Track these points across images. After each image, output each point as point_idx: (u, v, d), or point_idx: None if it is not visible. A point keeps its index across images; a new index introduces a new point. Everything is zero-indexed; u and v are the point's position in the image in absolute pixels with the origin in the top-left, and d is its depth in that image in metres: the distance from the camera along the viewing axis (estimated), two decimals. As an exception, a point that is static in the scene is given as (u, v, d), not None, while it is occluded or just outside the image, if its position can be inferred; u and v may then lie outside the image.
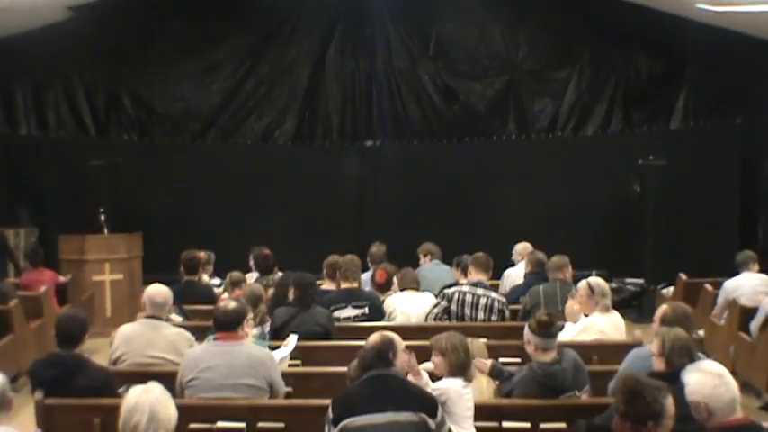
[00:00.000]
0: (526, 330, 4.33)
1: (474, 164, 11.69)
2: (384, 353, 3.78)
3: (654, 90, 11.79)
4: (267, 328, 5.62)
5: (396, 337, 3.91)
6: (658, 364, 3.86)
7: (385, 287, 6.67)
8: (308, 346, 5.44)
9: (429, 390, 4.02)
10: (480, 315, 6.03)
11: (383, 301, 6.42)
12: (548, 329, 4.23)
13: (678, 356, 3.75)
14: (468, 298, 6.07)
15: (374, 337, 3.87)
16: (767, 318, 6.76)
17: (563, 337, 5.13)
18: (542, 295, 6.27)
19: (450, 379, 4.08)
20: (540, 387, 4.19)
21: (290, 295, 5.77)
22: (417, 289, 6.57)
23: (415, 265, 7.69)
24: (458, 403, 4.00)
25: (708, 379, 3.12)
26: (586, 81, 11.95)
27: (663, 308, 4.39)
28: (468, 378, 4.09)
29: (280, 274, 7.08)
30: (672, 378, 3.66)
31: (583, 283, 5.61)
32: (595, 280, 5.61)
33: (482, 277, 6.25)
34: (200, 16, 11.77)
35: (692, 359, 3.77)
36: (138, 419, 3.00)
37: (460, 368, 4.08)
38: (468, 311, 6.04)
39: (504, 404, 4.28)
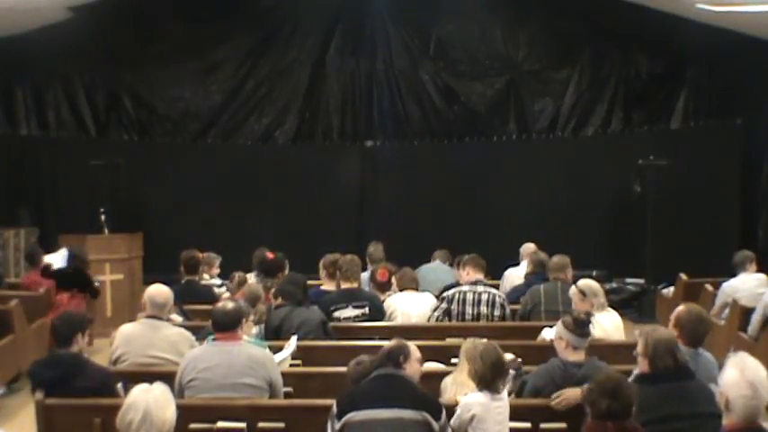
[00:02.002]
0: (560, 326, 4.33)
1: (474, 164, 11.68)
2: (394, 355, 3.84)
3: (654, 90, 11.78)
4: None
5: (412, 345, 3.96)
6: (642, 365, 3.88)
7: (386, 286, 6.67)
8: (307, 346, 5.45)
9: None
10: (483, 310, 6.08)
11: (383, 301, 6.43)
12: (583, 328, 4.27)
13: (661, 358, 3.78)
14: (470, 296, 6.12)
15: (390, 341, 3.96)
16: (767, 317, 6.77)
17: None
18: (543, 294, 6.29)
19: (475, 393, 3.99)
20: (552, 383, 4.19)
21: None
22: (416, 289, 6.58)
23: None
24: (485, 418, 3.89)
25: (743, 386, 3.08)
26: (586, 81, 11.95)
27: (678, 310, 4.35)
28: (493, 390, 3.94)
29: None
30: (654, 379, 3.70)
31: (573, 290, 5.63)
32: (583, 282, 5.64)
33: (480, 276, 6.31)
34: (200, 16, 11.76)
35: (676, 360, 3.79)
36: (131, 418, 3.00)
37: (481, 379, 3.96)
38: (468, 309, 6.07)
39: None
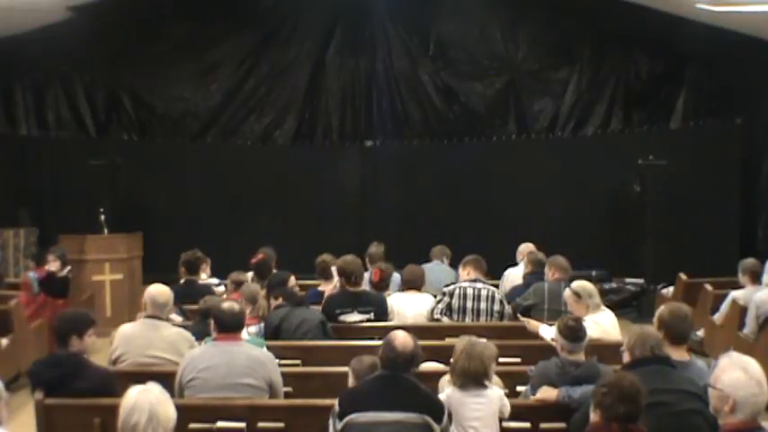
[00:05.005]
0: (555, 329, 4.45)
1: (474, 164, 11.68)
2: (417, 359, 3.87)
3: (654, 90, 11.77)
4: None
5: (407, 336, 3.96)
6: (625, 358, 4.01)
7: (380, 286, 6.61)
8: (307, 345, 5.45)
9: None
10: (483, 306, 6.22)
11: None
12: (574, 333, 4.33)
13: (638, 348, 3.90)
14: (470, 291, 6.27)
15: (406, 340, 3.85)
16: (767, 317, 6.78)
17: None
18: (547, 293, 6.35)
19: (452, 387, 4.11)
20: (548, 380, 4.24)
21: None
22: (419, 289, 6.57)
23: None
24: (460, 413, 4.00)
25: (752, 385, 3.10)
26: (586, 81, 11.94)
27: (660, 309, 4.41)
28: (468, 387, 4.05)
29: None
30: (634, 365, 3.83)
31: (567, 292, 5.66)
32: (577, 284, 5.68)
33: (479, 275, 6.46)
34: (200, 16, 11.75)
35: (654, 352, 3.87)
36: (137, 419, 2.99)
37: (451, 375, 4.12)
38: (469, 304, 6.22)
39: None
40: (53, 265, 7.65)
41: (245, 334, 4.85)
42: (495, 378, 4.45)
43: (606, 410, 3.31)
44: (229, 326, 4.40)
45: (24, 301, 7.47)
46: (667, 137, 11.35)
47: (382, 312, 6.19)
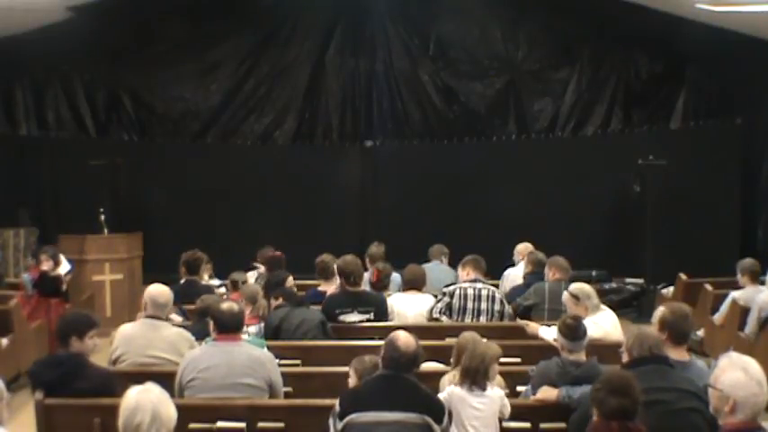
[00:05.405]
0: (557, 330, 4.46)
1: (474, 164, 11.68)
2: (419, 359, 3.86)
3: (654, 90, 11.77)
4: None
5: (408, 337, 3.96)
6: (624, 358, 4.02)
7: (379, 286, 6.60)
8: (307, 345, 5.46)
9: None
10: (483, 306, 6.24)
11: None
12: (573, 332, 4.34)
13: (636, 349, 3.92)
14: (470, 292, 6.27)
15: (409, 340, 3.84)
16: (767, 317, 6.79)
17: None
18: (547, 293, 6.38)
19: (452, 386, 4.12)
20: (549, 379, 4.25)
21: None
22: (420, 290, 6.57)
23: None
24: (459, 411, 4.02)
25: (752, 385, 3.11)
26: (586, 81, 11.94)
27: (661, 309, 4.41)
28: (470, 386, 4.07)
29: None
30: (633, 365, 3.85)
31: (565, 295, 5.66)
32: (575, 287, 5.68)
33: (478, 275, 6.46)
34: (200, 16, 11.77)
35: (652, 352, 3.88)
36: (140, 419, 2.99)
37: (464, 373, 4.11)
38: (470, 304, 6.23)
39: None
40: (45, 265, 7.72)
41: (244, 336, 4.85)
42: (499, 378, 4.46)
43: (600, 405, 3.32)
44: (229, 326, 4.41)
45: (21, 303, 7.48)
46: (667, 137, 11.36)
47: (382, 313, 6.19)
